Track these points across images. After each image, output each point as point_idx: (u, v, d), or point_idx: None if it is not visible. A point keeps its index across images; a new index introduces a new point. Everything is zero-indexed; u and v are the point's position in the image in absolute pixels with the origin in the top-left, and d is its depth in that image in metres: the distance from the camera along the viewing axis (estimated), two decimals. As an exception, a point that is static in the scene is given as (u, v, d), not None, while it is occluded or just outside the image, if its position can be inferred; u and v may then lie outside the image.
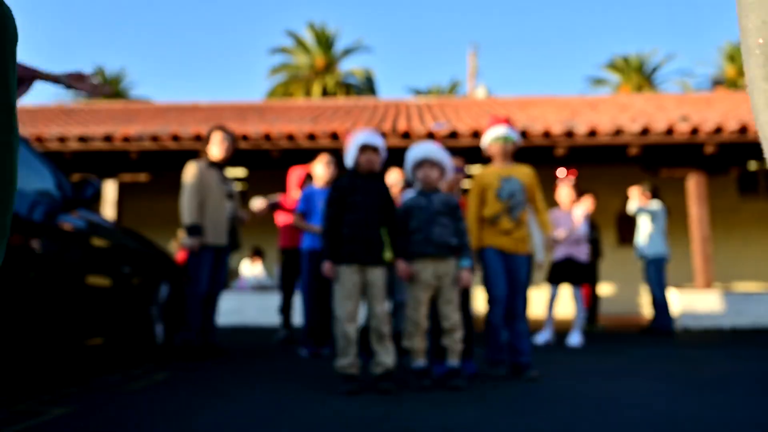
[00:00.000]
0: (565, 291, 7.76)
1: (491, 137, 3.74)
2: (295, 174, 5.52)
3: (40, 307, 2.91)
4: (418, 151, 3.28)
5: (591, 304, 7.31)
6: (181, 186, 4.44)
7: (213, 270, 4.53)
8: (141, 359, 4.16)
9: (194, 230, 4.32)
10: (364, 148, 3.19)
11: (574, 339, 5.45)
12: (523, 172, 3.71)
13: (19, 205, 2.75)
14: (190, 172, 4.44)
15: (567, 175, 5.93)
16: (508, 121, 3.75)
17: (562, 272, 5.79)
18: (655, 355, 4.48)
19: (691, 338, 6.14)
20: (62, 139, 7.85)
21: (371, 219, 3.08)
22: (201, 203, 4.40)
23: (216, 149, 4.60)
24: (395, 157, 6.96)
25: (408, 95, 32.52)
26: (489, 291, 3.55)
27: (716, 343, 5.60)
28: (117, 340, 3.89)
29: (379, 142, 3.22)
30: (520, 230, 3.60)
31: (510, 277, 3.56)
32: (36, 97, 64.56)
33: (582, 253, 5.79)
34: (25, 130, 8.68)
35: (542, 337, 5.62)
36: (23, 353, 2.85)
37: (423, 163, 3.30)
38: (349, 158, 3.23)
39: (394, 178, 4.79)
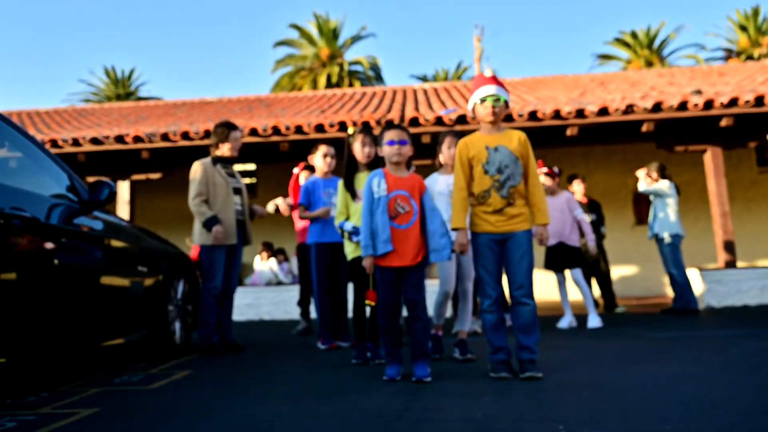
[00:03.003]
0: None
1: (477, 97, 3.16)
2: (292, 180, 5.70)
3: (61, 309, 2.95)
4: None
5: (603, 286, 7.23)
6: (190, 187, 4.45)
7: (227, 267, 4.54)
8: (161, 358, 4.17)
9: (211, 222, 4.33)
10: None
11: (593, 321, 5.41)
12: (514, 140, 3.12)
13: (38, 209, 2.80)
14: (196, 172, 4.46)
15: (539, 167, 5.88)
16: (496, 80, 3.19)
17: (556, 258, 5.74)
18: (680, 338, 4.41)
19: (715, 318, 6.02)
20: (76, 142, 7.89)
21: None
22: (209, 201, 4.41)
23: (226, 147, 4.62)
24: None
25: (414, 82, 32.30)
26: (480, 290, 3.12)
27: (742, 322, 5.48)
28: (137, 340, 3.92)
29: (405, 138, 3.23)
30: (514, 207, 3.05)
31: (507, 261, 3.06)
32: (49, 101, 65.08)
33: (573, 238, 5.73)
34: (40, 134, 8.73)
35: (565, 322, 5.58)
36: (46, 355, 2.88)
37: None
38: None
39: None
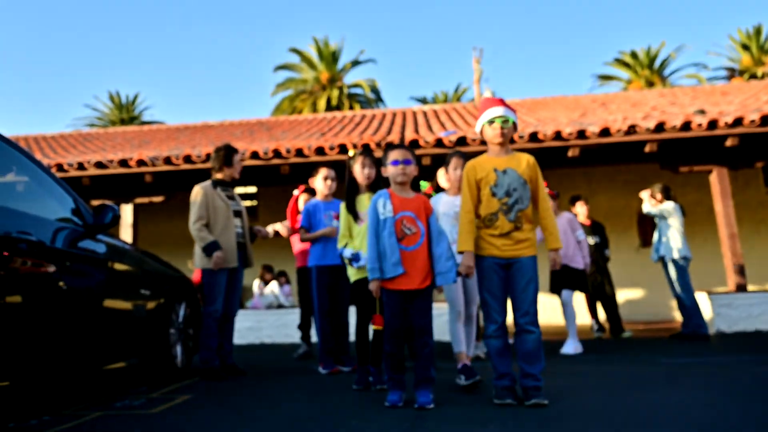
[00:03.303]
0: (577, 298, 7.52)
1: (485, 119, 3.13)
2: (291, 202, 5.72)
3: (64, 332, 2.95)
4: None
5: (609, 310, 7.12)
6: (190, 210, 4.44)
7: (227, 290, 4.52)
8: (162, 382, 4.12)
9: (211, 247, 4.32)
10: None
11: (568, 347, 5.33)
12: (523, 162, 3.08)
13: (44, 233, 2.83)
14: (196, 195, 4.46)
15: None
16: (504, 102, 3.17)
17: (560, 281, 5.66)
18: (689, 364, 4.31)
19: (726, 343, 5.88)
20: (81, 166, 7.91)
21: None
22: (209, 225, 4.41)
23: (227, 170, 4.64)
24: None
25: (414, 104, 32.48)
26: (484, 314, 3.07)
27: (754, 347, 5.35)
28: (138, 364, 3.91)
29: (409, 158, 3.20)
30: (521, 231, 3.00)
31: (512, 287, 2.99)
32: (55, 126, 65.60)
33: (577, 259, 5.66)
34: (46, 158, 8.75)
35: (570, 347, 5.39)
36: (49, 378, 2.86)
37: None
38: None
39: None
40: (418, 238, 3.04)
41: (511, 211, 2.99)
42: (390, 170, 3.15)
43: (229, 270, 4.49)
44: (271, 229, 5.45)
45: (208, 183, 4.58)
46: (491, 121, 3.10)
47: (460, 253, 3.05)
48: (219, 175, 4.64)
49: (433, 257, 3.05)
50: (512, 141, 7.41)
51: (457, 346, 3.67)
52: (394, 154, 3.16)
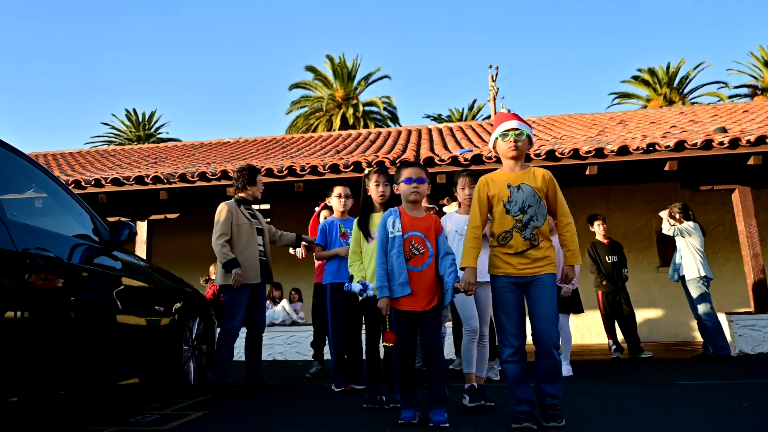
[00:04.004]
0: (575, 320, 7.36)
1: (498, 132, 3.05)
2: (312, 219, 5.79)
3: (79, 347, 2.97)
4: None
5: (627, 331, 6.97)
6: (214, 226, 4.53)
7: (252, 306, 4.65)
8: (174, 398, 4.10)
9: (231, 264, 4.41)
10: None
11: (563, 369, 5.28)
12: (538, 177, 2.97)
13: (61, 249, 2.86)
14: (221, 212, 4.55)
15: None
16: (518, 117, 3.07)
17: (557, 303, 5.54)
18: (711, 386, 4.20)
19: (749, 365, 5.73)
20: (98, 183, 7.98)
21: None
22: (233, 242, 4.51)
23: (251, 190, 4.78)
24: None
25: (429, 122, 32.55)
26: (500, 337, 2.93)
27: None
28: (151, 379, 3.95)
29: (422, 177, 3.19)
30: (538, 249, 2.88)
31: (530, 307, 2.90)
32: (74, 143, 66.73)
33: (573, 282, 5.54)
34: (65, 175, 8.85)
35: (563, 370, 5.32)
36: (60, 393, 2.87)
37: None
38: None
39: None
40: (426, 259, 3.02)
41: (525, 228, 2.88)
42: (402, 188, 3.14)
43: (252, 287, 4.57)
44: (292, 250, 5.45)
45: (232, 201, 4.70)
46: (504, 135, 3.01)
47: (463, 269, 2.97)
48: (242, 194, 4.78)
49: (440, 277, 3.04)
50: (528, 159, 7.34)
51: (467, 366, 3.59)
52: (407, 172, 3.14)
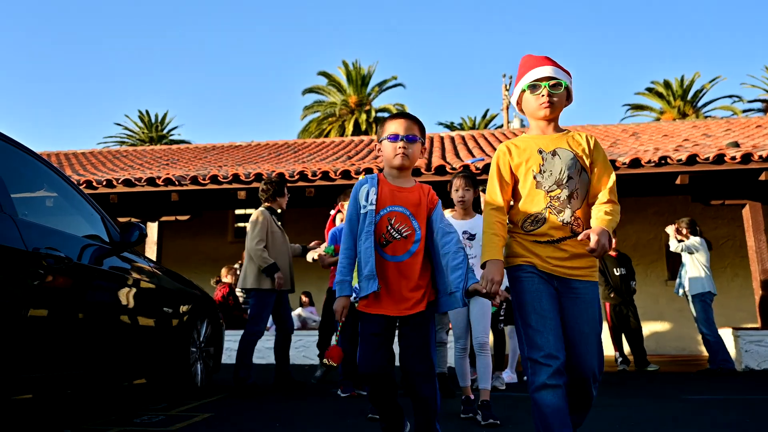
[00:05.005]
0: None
1: (526, 83, 2.22)
2: (328, 222, 5.78)
3: (87, 346, 2.99)
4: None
5: (634, 343, 6.95)
6: (251, 231, 4.70)
7: (281, 311, 4.88)
8: (181, 399, 4.13)
9: (272, 269, 4.58)
10: None
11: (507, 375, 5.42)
12: (581, 142, 2.20)
13: (71, 249, 2.87)
14: (258, 218, 4.73)
15: None
16: (552, 61, 2.24)
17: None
18: (717, 401, 4.18)
19: (755, 381, 5.70)
20: (110, 183, 8.06)
21: None
22: (267, 249, 4.68)
23: (281, 201, 4.98)
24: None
25: (441, 129, 32.58)
26: (529, 350, 2.06)
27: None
28: (158, 380, 3.98)
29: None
30: (578, 242, 2.07)
31: (565, 322, 2.07)
32: (86, 143, 67.29)
33: None
34: (76, 175, 8.93)
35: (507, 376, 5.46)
36: (69, 391, 2.89)
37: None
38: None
39: None
40: (410, 244, 2.21)
41: (564, 208, 2.10)
42: (385, 148, 2.31)
43: (278, 292, 4.75)
44: (310, 256, 5.50)
45: (265, 209, 4.86)
46: (534, 86, 2.20)
47: (485, 264, 2.11)
48: (271, 204, 4.93)
49: (436, 270, 2.26)
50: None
51: (462, 381, 3.51)
52: (393, 126, 2.31)
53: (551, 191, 2.12)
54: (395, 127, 2.29)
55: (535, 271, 2.09)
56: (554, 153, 2.16)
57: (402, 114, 2.35)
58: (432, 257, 2.27)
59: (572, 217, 2.11)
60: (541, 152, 2.17)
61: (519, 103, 2.31)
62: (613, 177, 2.18)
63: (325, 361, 2.44)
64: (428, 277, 2.26)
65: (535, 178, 2.15)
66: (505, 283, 2.20)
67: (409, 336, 2.18)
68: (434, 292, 2.26)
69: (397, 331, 2.27)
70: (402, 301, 2.18)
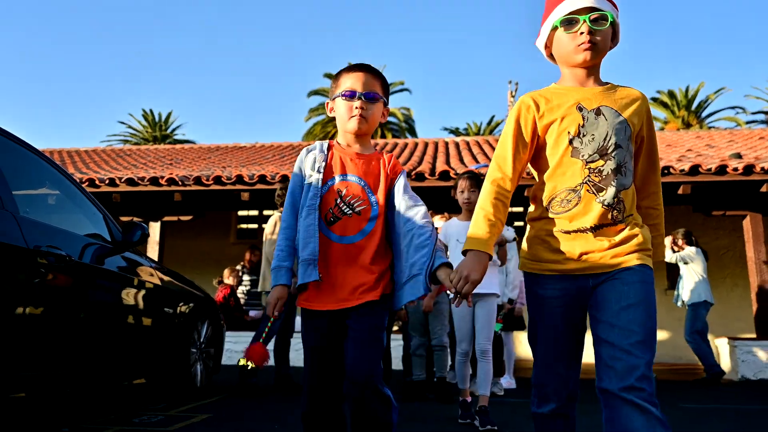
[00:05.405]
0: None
1: (558, 16, 1.67)
2: None
3: (86, 345, 2.99)
4: None
5: None
6: (269, 235, 4.83)
7: (291, 313, 5.01)
8: (181, 400, 4.15)
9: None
10: None
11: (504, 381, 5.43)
12: (631, 99, 1.68)
13: (72, 248, 2.86)
14: (277, 224, 4.80)
15: None
16: None
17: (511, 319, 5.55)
18: (714, 410, 4.18)
19: (750, 390, 5.74)
20: (113, 182, 8.08)
21: None
22: None
23: None
24: (435, 197, 6.87)
25: (446, 134, 32.62)
26: (535, 372, 1.69)
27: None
28: (158, 380, 3.98)
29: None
30: (626, 226, 1.62)
31: (601, 317, 1.56)
32: (90, 141, 67.46)
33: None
34: (79, 173, 8.96)
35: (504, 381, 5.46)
36: (67, 390, 2.90)
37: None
38: None
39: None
40: (363, 223, 1.80)
41: (608, 185, 1.60)
42: (339, 107, 1.90)
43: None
44: None
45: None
46: (570, 21, 1.65)
47: (467, 253, 1.64)
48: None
49: (396, 255, 1.84)
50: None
51: (461, 384, 3.53)
52: (350, 80, 1.88)
53: (592, 162, 1.61)
54: (352, 81, 1.88)
55: (558, 286, 1.63)
56: (598, 112, 1.64)
57: (361, 66, 1.90)
58: (392, 240, 1.85)
59: (615, 199, 1.60)
60: (581, 109, 1.64)
61: (548, 45, 1.76)
62: (657, 149, 1.74)
63: (242, 361, 1.86)
64: (386, 265, 1.82)
65: (571, 143, 1.63)
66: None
67: (357, 331, 1.73)
68: (392, 285, 1.83)
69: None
70: (348, 290, 1.76)
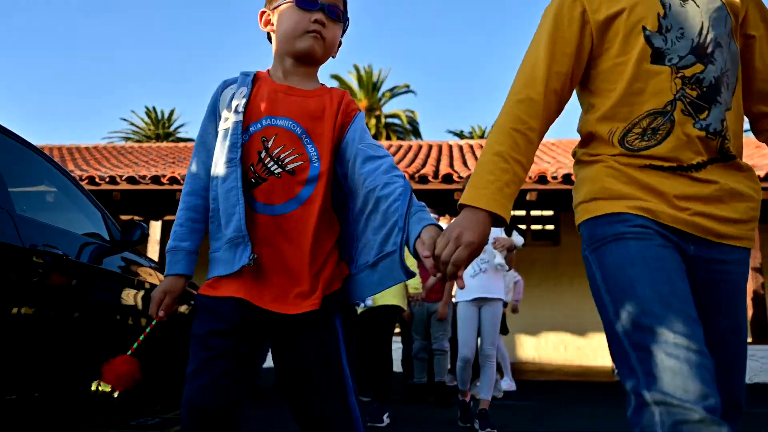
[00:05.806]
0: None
1: None
2: None
3: (82, 346, 2.93)
4: None
5: None
6: None
7: None
8: (178, 402, 4.11)
9: None
10: None
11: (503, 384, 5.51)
12: None
13: (70, 247, 2.83)
14: None
15: None
16: None
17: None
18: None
19: (747, 394, 5.68)
20: (113, 180, 8.05)
21: None
22: None
23: None
24: (438, 200, 6.84)
25: (450, 137, 32.64)
26: (639, 362, 1.02)
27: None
28: (155, 383, 3.92)
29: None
30: (735, 171, 1.13)
31: (707, 308, 1.10)
32: (91, 137, 67.59)
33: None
34: (79, 170, 8.93)
35: (504, 383, 5.56)
36: (65, 393, 2.86)
37: None
38: None
39: None
40: (299, 187, 1.26)
41: (711, 106, 1.10)
42: (287, 18, 1.32)
43: None
44: None
45: None
46: None
47: (464, 208, 1.12)
48: None
49: (353, 224, 1.32)
50: (546, 180, 7.27)
51: (462, 386, 3.51)
52: None
53: (684, 66, 1.09)
54: None
55: (650, 225, 1.07)
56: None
57: None
58: (348, 208, 1.33)
59: (721, 124, 1.10)
60: None
61: None
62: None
63: (93, 385, 1.36)
64: (333, 242, 1.31)
65: (651, 41, 1.11)
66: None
67: (302, 348, 1.25)
68: (344, 270, 1.31)
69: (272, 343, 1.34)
70: (288, 283, 1.25)
